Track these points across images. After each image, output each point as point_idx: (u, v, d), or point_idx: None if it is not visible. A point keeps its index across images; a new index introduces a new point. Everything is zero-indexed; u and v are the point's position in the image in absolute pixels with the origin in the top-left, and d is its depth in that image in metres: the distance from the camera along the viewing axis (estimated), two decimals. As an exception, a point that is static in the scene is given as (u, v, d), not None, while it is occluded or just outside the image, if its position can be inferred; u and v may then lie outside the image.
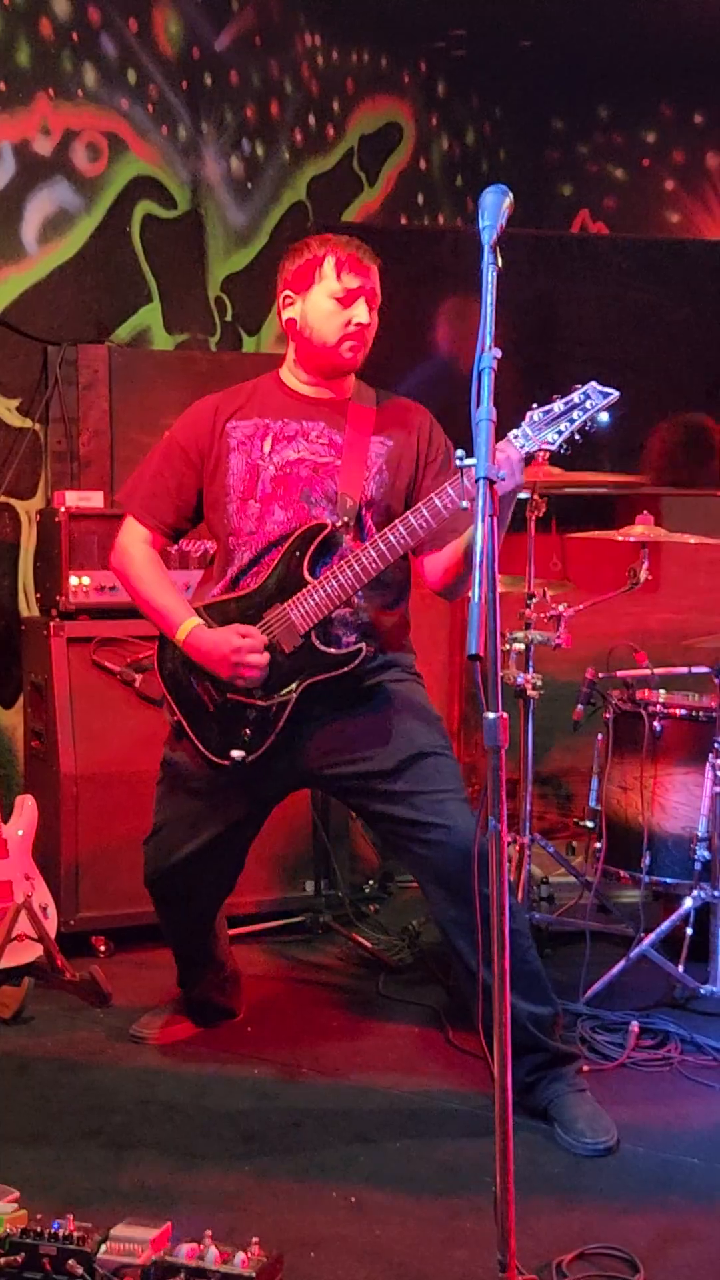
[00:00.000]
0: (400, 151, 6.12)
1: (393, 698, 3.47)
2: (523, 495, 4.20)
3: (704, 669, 4.17)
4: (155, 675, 3.59)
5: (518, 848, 4.33)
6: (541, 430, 3.04)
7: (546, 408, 3.05)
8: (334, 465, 3.45)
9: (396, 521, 3.25)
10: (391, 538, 3.24)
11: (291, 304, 3.49)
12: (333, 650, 3.38)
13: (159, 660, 3.55)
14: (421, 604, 3.67)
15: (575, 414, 2.99)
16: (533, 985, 3.34)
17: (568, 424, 2.99)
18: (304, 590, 3.36)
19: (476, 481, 2.23)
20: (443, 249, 5.33)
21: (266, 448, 3.48)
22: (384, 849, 5.08)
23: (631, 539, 4.26)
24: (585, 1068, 3.64)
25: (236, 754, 3.40)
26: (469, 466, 2.26)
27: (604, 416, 2.96)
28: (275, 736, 3.40)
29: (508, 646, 4.31)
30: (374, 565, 3.27)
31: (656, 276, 5.50)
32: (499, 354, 2.32)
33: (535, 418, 3.06)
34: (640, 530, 4.24)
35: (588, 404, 2.96)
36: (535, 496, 4.23)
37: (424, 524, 3.20)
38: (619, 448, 5.49)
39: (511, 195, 2.47)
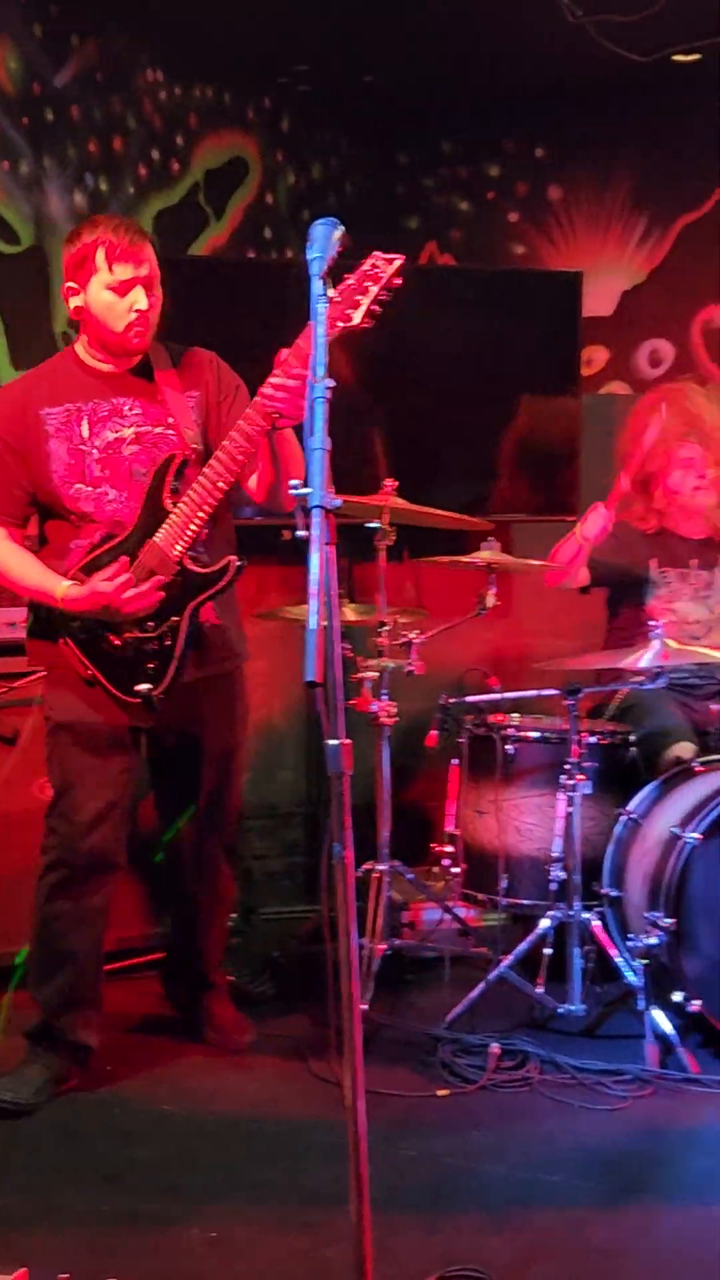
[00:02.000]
0: (247, 186, 6.14)
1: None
2: (372, 525, 4.25)
3: (553, 691, 4.22)
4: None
5: (376, 875, 4.34)
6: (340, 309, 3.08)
7: (341, 287, 3.06)
8: (153, 434, 3.61)
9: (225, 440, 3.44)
10: (229, 445, 3.42)
11: (75, 294, 3.60)
12: (204, 569, 3.55)
13: (59, 629, 3.61)
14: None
15: (368, 284, 2.97)
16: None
17: (361, 297, 2.97)
18: (168, 519, 3.52)
19: (310, 510, 2.24)
20: (290, 282, 5.34)
21: (85, 432, 3.60)
22: (244, 882, 5.05)
23: (478, 565, 4.31)
24: (446, 1091, 3.68)
25: (142, 687, 3.55)
26: (303, 495, 2.27)
27: (397, 280, 2.90)
28: (175, 666, 3.56)
29: (362, 674, 4.33)
30: (221, 476, 3.44)
31: (502, 307, 5.58)
32: (332, 384, 2.33)
33: (333, 296, 3.09)
34: (486, 556, 4.30)
35: (378, 273, 2.93)
36: (386, 525, 4.26)
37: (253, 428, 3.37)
38: (469, 474, 5.56)
39: (343, 228, 2.49)
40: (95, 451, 3.58)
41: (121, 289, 3.53)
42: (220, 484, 3.47)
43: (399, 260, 2.82)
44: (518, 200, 6.78)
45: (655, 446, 4.77)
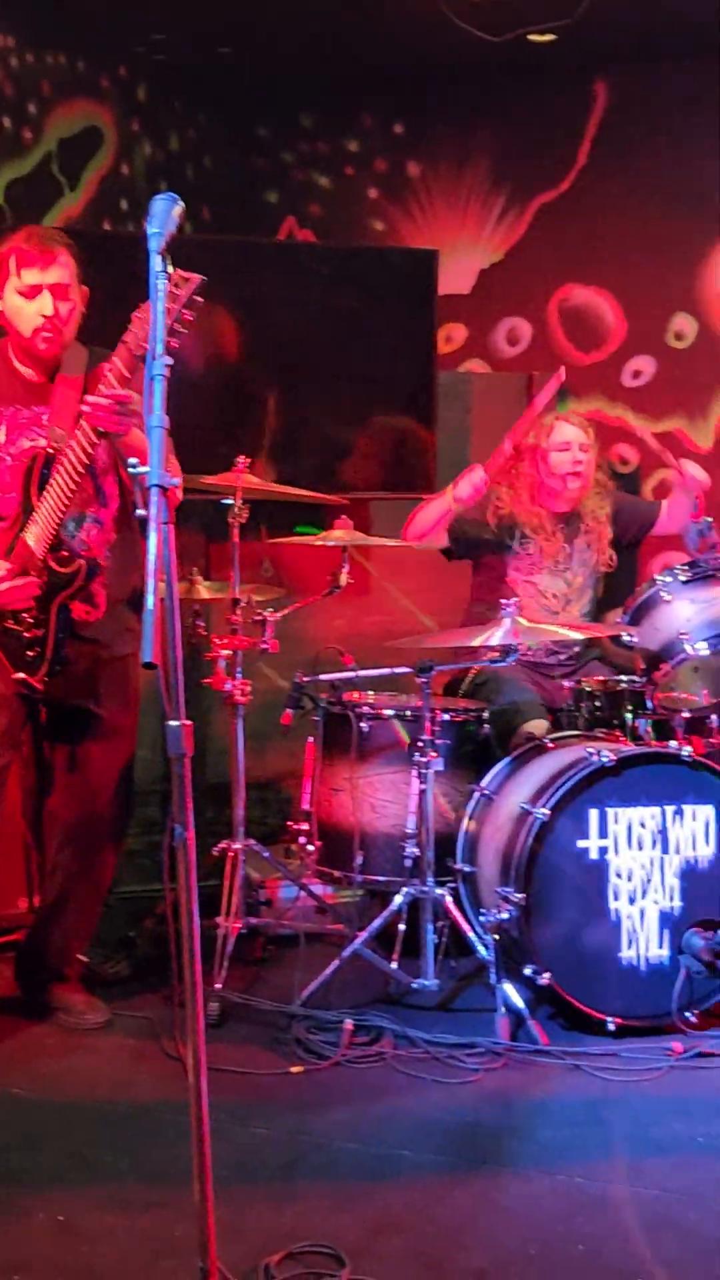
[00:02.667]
0: (102, 156, 6.05)
1: None
2: (226, 502, 4.23)
3: (407, 669, 4.24)
4: None
5: (231, 854, 4.33)
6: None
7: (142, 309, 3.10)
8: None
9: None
10: (69, 453, 3.51)
11: None
12: (62, 569, 3.66)
13: None
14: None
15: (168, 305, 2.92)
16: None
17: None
18: (32, 515, 3.63)
19: (149, 489, 2.22)
20: (147, 254, 5.30)
21: (2, 437, 3.70)
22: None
23: (330, 544, 4.31)
24: (300, 1068, 3.69)
25: (18, 676, 3.71)
26: (141, 473, 2.24)
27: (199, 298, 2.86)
28: (49, 658, 3.69)
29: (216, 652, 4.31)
30: (68, 482, 3.53)
31: (358, 283, 5.58)
32: (170, 362, 2.31)
33: (138, 317, 3.15)
34: (339, 535, 4.30)
35: (175, 293, 2.88)
36: (239, 503, 4.23)
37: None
38: (325, 452, 5.54)
39: (182, 204, 2.46)
40: (8, 458, 3.70)
41: (30, 293, 3.62)
42: (69, 488, 3.56)
43: (196, 280, 2.77)
44: (377, 176, 6.79)
45: (543, 417, 4.84)
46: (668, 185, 6.40)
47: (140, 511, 2.25)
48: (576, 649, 4.97)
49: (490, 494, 4.84)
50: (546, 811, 3.88)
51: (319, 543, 4.36)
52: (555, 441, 4.85)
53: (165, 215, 2.42)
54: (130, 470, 2.27)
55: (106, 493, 3.80)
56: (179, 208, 2.45)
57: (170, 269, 2.39)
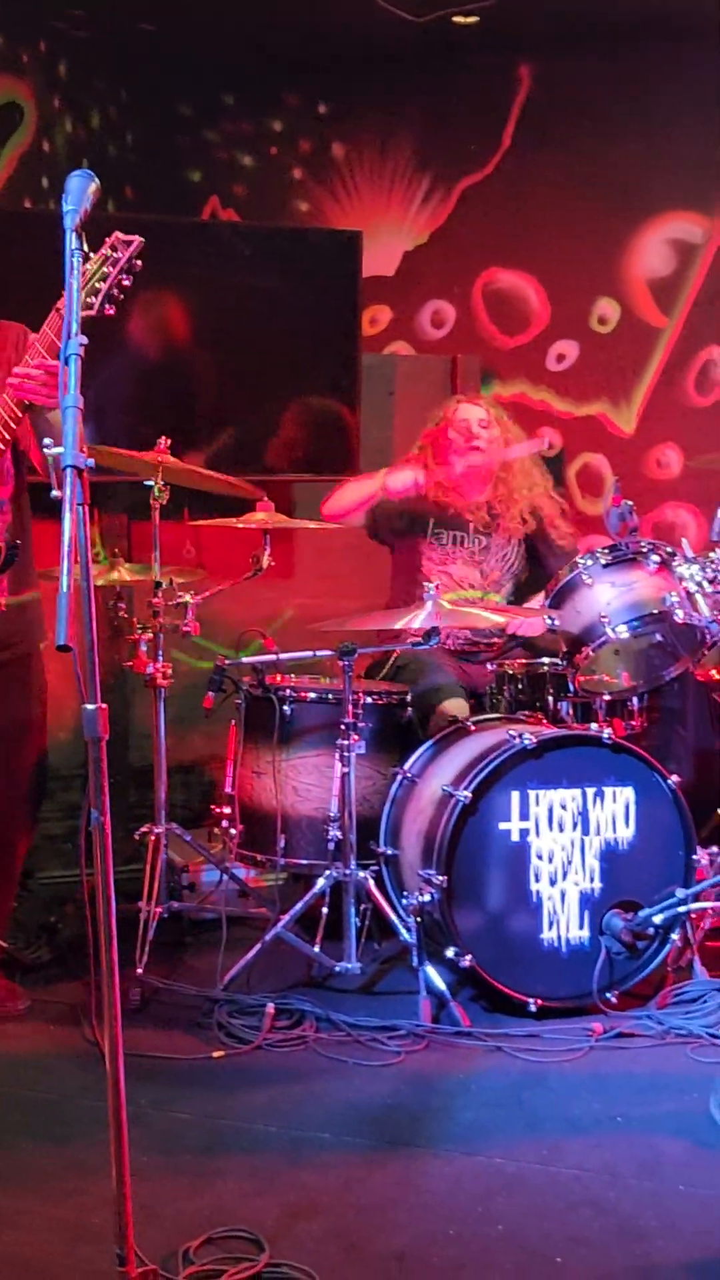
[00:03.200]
0: (22, 133, 5.96)
1: None
2: (148, 483, 4.19)
3: (329, 652, 4.23)
4: None
5: (153, 838, 4.30)
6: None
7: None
8: None
9: None
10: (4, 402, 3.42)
11: None
12: None
13: None
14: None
15: (107, 268, 2.88)
16: None
17: (100, 281, 2.87)
18: None
19: (64, 469, 2.20)
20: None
21: None
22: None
23: (252, 526, 4.29)
24: (221, 1052, 3.68)
25: None
26: (57, 453, 2.21)
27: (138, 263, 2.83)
28: None
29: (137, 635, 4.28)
30: None
31: (281, 264, 5.55)
32: (85, 341, 2.28)
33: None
34: (261, 517, 4.28)
35: (114, 256, 2.83)
36: (159, 484, 4.20)
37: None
38: (247, 434, 5.51)
39: (97, 181, 2.43)
40: None
41: None
42: None
43: (137, 242, 2.71)
44: (301, 157, 6.75)
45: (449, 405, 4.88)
46: (591, 169, 6.42)
47: (55, 493, 2.22)
48: (498, 636, 4.99)
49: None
50: (468, 794, 3.89)
51: (240, 525, 4.33)
52: (457, 421, 4.87)
53: (80, 193, 2.40)
54: (45, 451, 2.25)
55: (4, 470, 3.70)
56: (94, 185, 2.42)
57: (85, 247, 2.36)
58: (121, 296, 2.63)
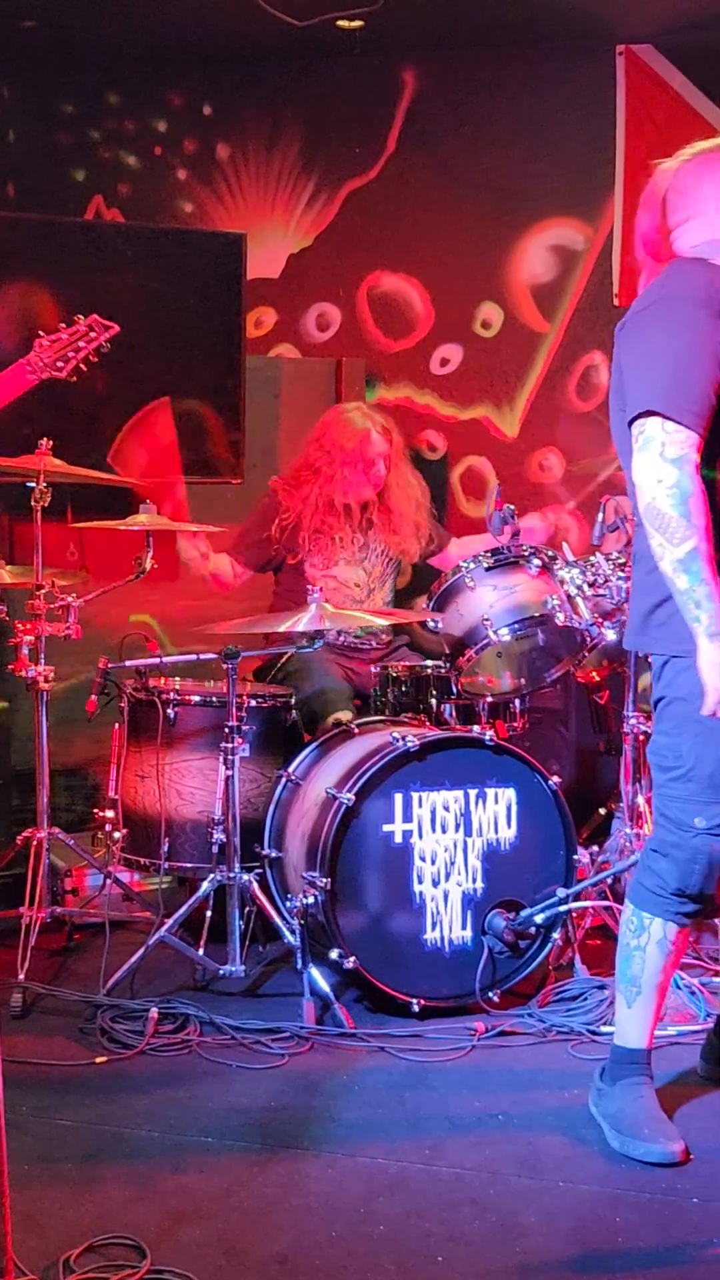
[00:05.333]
0: None
1: None
2: (29, 484, 4.16)
3: (213, 655, 4.22)
4: None
5: (36, 842, 4.27)
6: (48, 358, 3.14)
7: (54, 336, 3.10)
8: None
9: None
10: None
11: None
12: None
13: None
14: None
15: (80, 343, 3.00)
16: None
17: (73, 352, 3.01)
18: None
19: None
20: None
21: None
22: None
23: (135, 528, 4.27)
24: (104, 1058, 3.66)
25: None
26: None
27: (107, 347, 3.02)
28: None
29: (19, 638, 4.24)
30: None
31: (165, 266, 5.52)
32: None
33: (44, 343, 3.13)
34: (143, 519, 4.26)
35: (90, 335, 2.96)
36: (40, 486, 4.17)
37: None
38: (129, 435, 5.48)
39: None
40: None
41: None
42: None
43: (114, 329, 2.80)
44: (186, 157, 6.73)
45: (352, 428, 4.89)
46: (474, 175, 6.48)
47: None
48: (386, 636, 5.03)
49: (276, 503, 4.89)
50: (351, 796, 3.91)
51: (122, 527, 4.31)
52: (365, 454, 4.88)
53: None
54: None
55: None
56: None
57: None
58: (86, 370, 2.78)
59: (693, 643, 2.95)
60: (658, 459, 2.95)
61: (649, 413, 2.96)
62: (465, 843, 4.04)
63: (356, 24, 5.88)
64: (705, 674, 2.92)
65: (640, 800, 4.38)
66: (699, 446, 2.94)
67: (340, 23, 5.88)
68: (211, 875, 4.12)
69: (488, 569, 4.39)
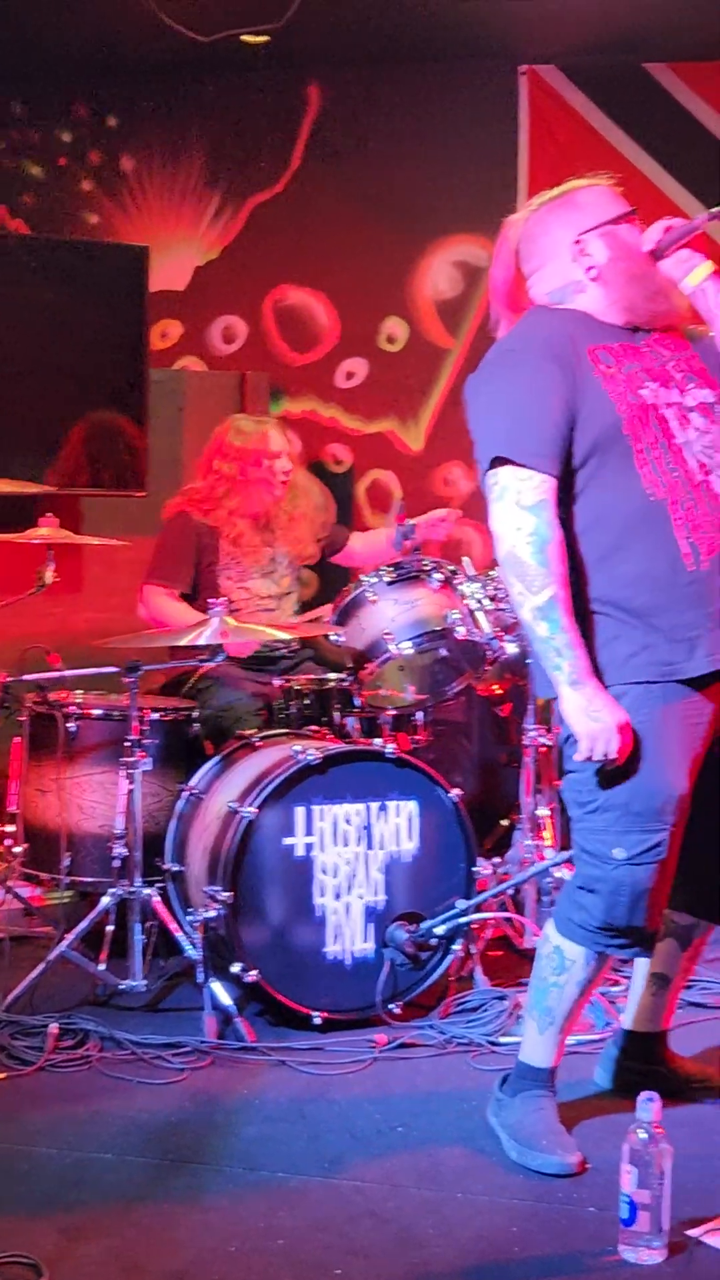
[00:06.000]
0: None
1: None
2: None
3: (114, 669, 4.21)
4: None
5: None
6: None
7: None
8: None
9: None
10: None
11: None
12: None
13: None
14: None
15: None
16: None
17: None
18: None
19: None
20: None
21: None
22: None
23: (35, 541, 4.25)
24: (3, 1075, 3.62)
25: None
26: None
27: None
28: None
29: None
30: None
31: (68, 278, 5.51)
32: None
33: None
34: (44, 532, 4.24)
35: None
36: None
37: None
38: (33, 448, 5.46)
39: None
40: None
41: None
42: None
43: None
44: (91, 169, 6.72)
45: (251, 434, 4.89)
46: (380, 190, 6.54)
47: None
48: (295, 648, 5.03)
49: (182, 520, 4.87)
50: (253, 810, 3.91)
51: (20, 540, 4.29)
52: (267, 450, 4.89)
53: None
54: None
55: None
56: None
57: None
58: None
59: (608, 676, 3.01)
60: (514, 507, 2.98)
61: (500, 461, 3.00)
62: (367, 855, 4.06)
63: (261, 39, 5.90)
64: (570, 722, 2.97)
65: (541, 811, 4.42)
66: (554, 490, 2.98)
67: (245, 38, 5.90)
68: (112, 890, 4.09)
69: (389, 583, 4.41)
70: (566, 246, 3.14)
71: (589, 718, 2.96)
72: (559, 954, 3.19)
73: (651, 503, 3.00)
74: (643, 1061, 3.49)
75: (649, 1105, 2.80)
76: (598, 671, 3.02)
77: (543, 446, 2.98)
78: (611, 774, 3.05)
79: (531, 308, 3.21)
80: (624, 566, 3.02)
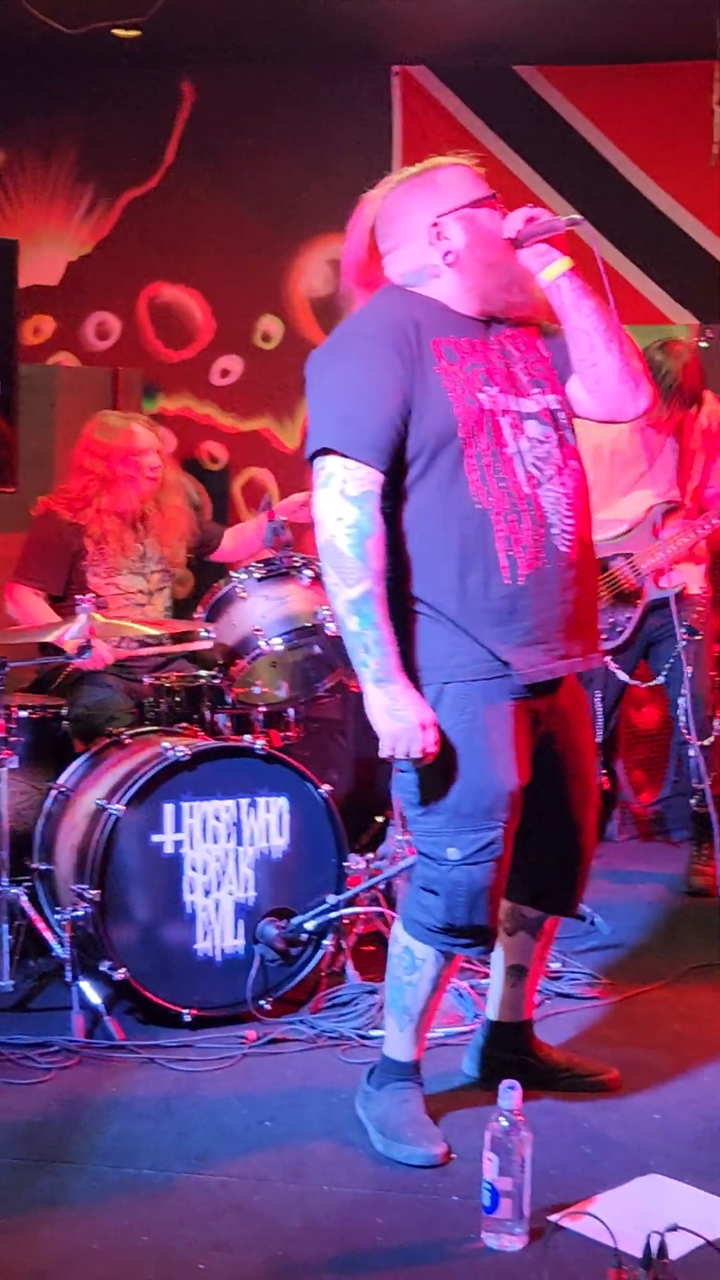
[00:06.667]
0: None
1: None
2: None
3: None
4: None
5: None
6: None
7: None
8: None
9: None
10: None
11: None
12: None
13: None
14: None
15: None
16: None
17: None
18: None
19: None
20: None
21: None
22: None
23: None
24: None
25: None
26: None
27: None
28: None
29: None
30: None
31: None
32: None
33: None
34: None
35: None
36: None
37: None
38: None
39: None
40: None
41: None
42: None
43: None
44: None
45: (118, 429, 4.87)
46: (254, 188, 6.53)
47: None
48: (165, 645, 5.00)
49: (50, 519, 4.84)
50: (121, 807, 3.89)
51: None
52: (135, 446, 4.86)
53: None
54: None
55: None
56: None
57: None
58: None
59: (419, 669, 3.02)
60: (338, 496, 2.96)
61: (327, 450, 2.99)
62: (237, 852, 4.05)
63: (132, 34, 5.86)
64: (374, 720, 2.98)
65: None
66: (380, 484, 2.97)
67: (116, 31, 5.86)
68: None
69: (259, 579, 4.41)
70: (424, 229, 3.09)
71: (391, 716, 2.96)
72: (409, 954, 3.21)
73: (476, 511, 2.99)
74: (509, 1051, 3.52)
75: (510, 1094, 2.83)
76: (416, 669, 3.03)
77: (374, 440, 2.95)
78: (436, 776, 3.05)
79: (384, 286, 3.15)
80: (442, 570, 3.01)
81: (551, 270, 3.09)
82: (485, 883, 3.07)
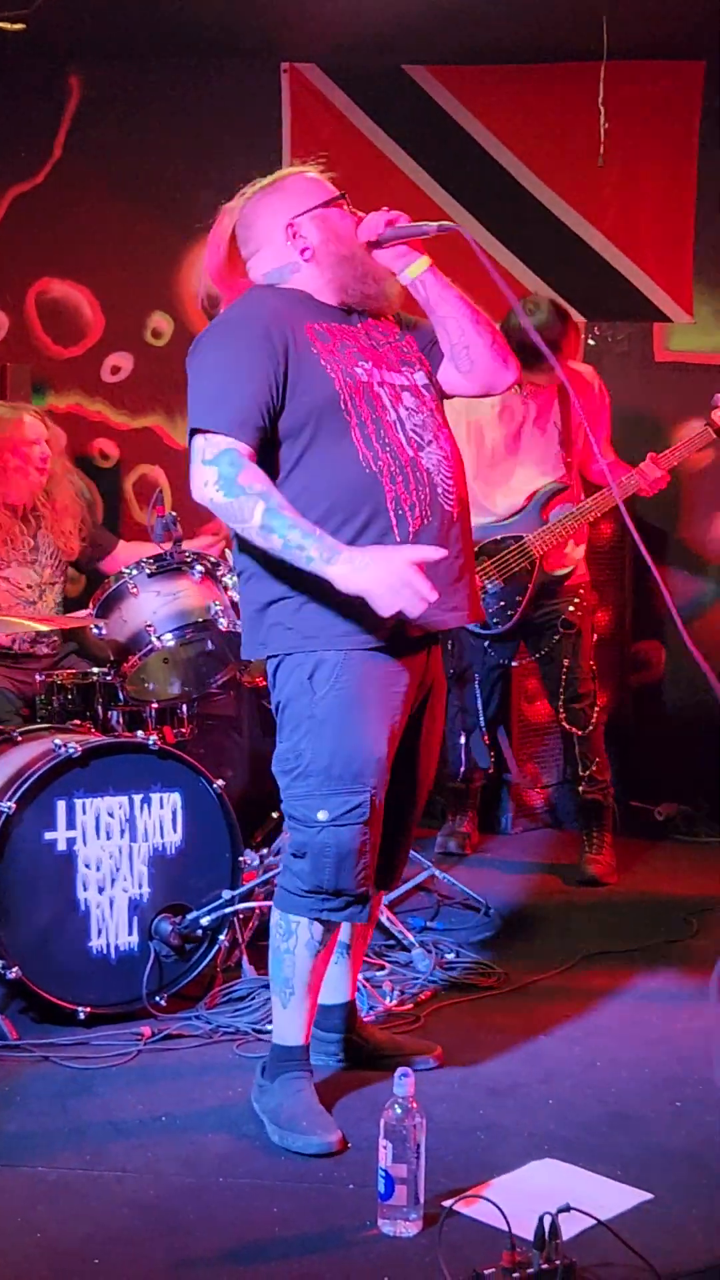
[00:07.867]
0: None
1: None
2: None
3: None
4: None
5: None
6: None
7: None
8: None
9: None
10: None
11: None
12: None
13: None
14: None
15: None
16: None
17: None
18: None
19: None
20: None
21: None
22: None
23: None
24: None
25: None
26: None
27: None
28: None
29: None
30: None
31: None
32: None
33: None
34: None
35: None
36: None
37: None
38: None
39: None
40: None
41: None
42: None
43: None
44: None
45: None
46: (143, 184, 6.50)
47: None
48: (57, 641, 4.97)
49: None
50: (11, 805, 3.85)
51: None
52: (24, 436, 4.84)
53: None
54: None
55: None
56: None
57: None
58: None
59: (297, 638, 3.14)
60: (199, 465, 3.11)
61: (195, 432, 3.14)
62: (131, 848, 4.04)
63: (16, 26, 5.80)
64: (359, 590, 2.98)
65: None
66: (244, 451, 3.07)
67: (0, 24, 5.80)
68: None
69: (150, 575, 4.40)
70: (280, 230, 3.28)
71: (369, 576, 2.97)
72: (285, 921, 3.29)
73: (366, 475, 3.13)
74: (333, 1031, 3.59)
75: (404, 1081, 2.85)
76: (299, 637, 3.15)
77: (236, 415, 3.09)
78: (313, 741, 3.15)
79: (250, 288, 3.33)
80: (335, 534, 3.09)
81: (414, 269, 3.27)
82: (352, 845, 3.16)
